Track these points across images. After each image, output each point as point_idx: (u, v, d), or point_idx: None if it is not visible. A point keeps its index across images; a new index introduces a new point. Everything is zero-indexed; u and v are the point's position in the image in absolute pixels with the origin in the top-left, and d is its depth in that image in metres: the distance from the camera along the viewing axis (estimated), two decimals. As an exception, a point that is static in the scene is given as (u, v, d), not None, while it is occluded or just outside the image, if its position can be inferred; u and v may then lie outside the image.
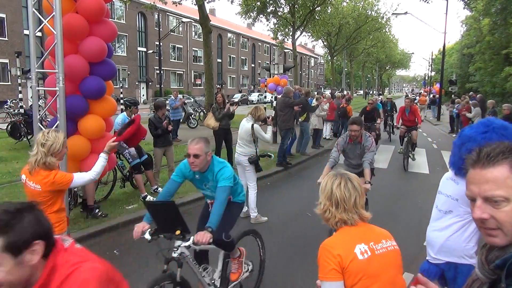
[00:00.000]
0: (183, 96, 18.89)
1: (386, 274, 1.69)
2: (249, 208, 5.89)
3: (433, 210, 2.63)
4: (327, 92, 18.53)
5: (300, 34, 29.53)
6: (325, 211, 1.82)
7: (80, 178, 3.01)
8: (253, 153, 5.85)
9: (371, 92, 72.15)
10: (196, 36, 48.58)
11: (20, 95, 14.98)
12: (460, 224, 2.42)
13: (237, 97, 38.60)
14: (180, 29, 45.18)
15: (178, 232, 2.72)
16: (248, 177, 5.91)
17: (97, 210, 5.58)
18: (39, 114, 3.84)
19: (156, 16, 37.32)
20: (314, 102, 12.49)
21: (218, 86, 30.32)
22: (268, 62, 59.09)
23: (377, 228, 1.86)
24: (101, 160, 3.16)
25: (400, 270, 1.78)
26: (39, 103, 3.91)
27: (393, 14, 31.55)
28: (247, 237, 3.77)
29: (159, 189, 6.87)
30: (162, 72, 34.21)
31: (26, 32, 28.23)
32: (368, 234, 1.78)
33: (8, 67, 27.33)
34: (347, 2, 38.10)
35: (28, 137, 11.63)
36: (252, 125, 5.83)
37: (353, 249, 1.67)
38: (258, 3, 23.70)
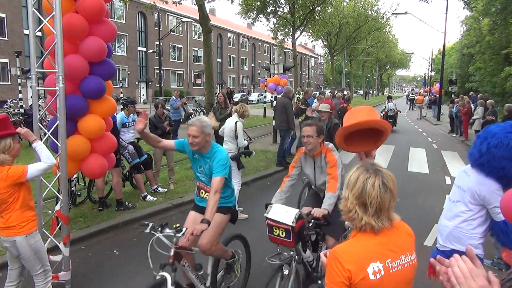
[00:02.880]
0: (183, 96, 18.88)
1: None
2: None
3: (446, 200, 2.76)
4: (327, 92, 18.50)
5: (300, 34, 29.54)
6: (350, 210, 1.62)
7: (35, 167, 2.95)
8: (236, 150, 5.87)
9: (371, 92, 72.17)
10: (196, 36, 48.56)
11: (20, 95, 14.98)
12: (467, 215, 2.50)
13: (237, 96, 38.60)
14: (180, 29, 45.16)
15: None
16: (232, 173, 5.91)
17: (126, 202, 5.98)
18: (39, 114, 3.84)
19: (156, 16, 37.31)
20: (315, 102, 12.50)
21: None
22: (268, 62, 59.07)
23: (402, 235, 1.67)
24: (39, 148, 3.06)
25: (410, 285, 1.68)
26: (39, 103, 3.90)
27: (393, 14, 31.59)
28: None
29: (159, 189, 6.87)
30: (162, 72, 34.20)
31: (26, 32, 28.21)
32: (389, 248, 1.60)
33: (8, 67, 27.31)
34: (347, 2, 38.11)
35: (28, 137, 11.62)
36: (236, 122, 5.84)
37: (366, 267, 1.54)
38: (258, 3, 23.70)
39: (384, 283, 1.56)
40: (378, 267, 1.55)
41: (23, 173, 2.87)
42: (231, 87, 38.85)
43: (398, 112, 18.35)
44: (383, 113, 17.49)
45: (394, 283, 1.59)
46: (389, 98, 18.69)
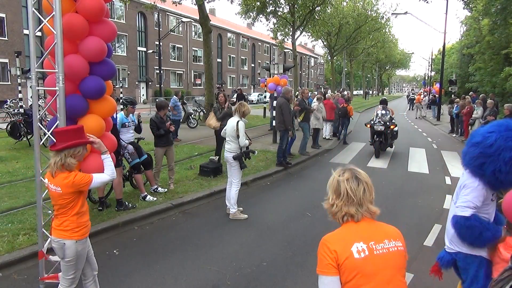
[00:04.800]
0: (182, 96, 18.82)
1: (383, 274, 1.68)
2: (229, 203, 5.92)
3: (451, 203, 2.78)
4: (329, 92, 18.51)
5: (300, 34, 29.56)
6: (332, 205, 1.82)
7: (99, 178, 3.03)
8: (238, 149, 5.87)
9: (370, 92, 72.18)
10: (196, 36, 48.56)
11: (20, 95, 14.96)
12: None
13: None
14: (180, 29, 45.16)
15: None
16: (232, 173, 5.91)
17: (126, 202, 5.96)
18: (39, 114, 3.83)
19: (156, 16, 37.32)
20: (314, 102, 12.50)
21: (217, 85, 30.25)
22: (268, 62, 59.07)
23: (385, 227, 1.83)
24: (107, 161, 3.18)
25: (401, 272, 1.76)
26: (39, 103, 3.90)
27: (393, 14, 31.57)
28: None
29: (159, 189, 6.87)
30: (162, 72, 34.20)
31: (26, 32, 28.23)
32: (371, 232, 1.75)
33: (8, 67, 27.30)
34: (346, 2, 38.13)
35: (28, 137, 11.63)
36: (238, 121, 5.83)
37: (350, 246, 1.68)
38: (258, 3, 23.71)
39: (369, 264, 1.66)
40: (361, 246, 1.68)
41: (88, 182, 2.92)
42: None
43: (393, 127, 11.30)
44: (369, 126, 11.44)
45: (378, 265, 1.68)
46: (382, 102, 12.07)
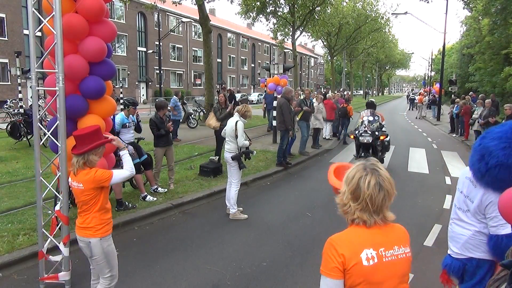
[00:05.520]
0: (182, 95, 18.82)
1: (389, 282, 1.63)
2: (229, 204, 5.93)
3: (453, 207, 2.64)
4: (330, 93, 18.49)
5: (300, 34, 29.56)
6: (345, 204, 1.69)
7: (118, 174, 3.10)
8: (237, 149, 5.88)
9: (370, 92, 72.18)
10: (196, 36, 48.56)
11: (20, 95, 14.96)
12: (482, 225, 2.40)
13: (237, 96, 38.59)
14: (180, 29, 45.16)
15: None
16: (232, 173, 5.92)
17: (126, 202, 5.93)
18: (39, 114, 3.83)
19: (156, 16, 37.31)
20: (314, 102, 12.50)
21: (219, 85, 30.21)
22: (268, 62, 59.08)
23: (396, 230, 1.72)
24: (126, 157, 3.24)
25: (404, 279, 1.70)
26: (39, 103, 3.89)
27: (392, 14, 31.61)
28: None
29: (159, 189, 6.88)
30: (162, 72, 34.20)
31: (26, 32, 28.22)
32: (382, 237, 1.65)
33: (8, 67, 27.30)
34: (346, 2, 38.12)
35: (28, 137, 11.62)
36: (237, 121, 5.84)
37: (359, 252, 1.59)
38: (258, 3, 23.71)
39: (377, 272, 1.59)
40: (371, 253, 1.59)
41: (109, 177, 2.99)
42: (227, 87, 38.66)
43: (383, 138, 8.90)
44: (352, 137, 9.29)
45: (386, 273, 1.61)
46: (369, 106, 9.76)
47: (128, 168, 3.18)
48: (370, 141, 8.75)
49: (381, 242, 1.64)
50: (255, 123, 18.57)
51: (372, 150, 8.89)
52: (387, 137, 9.14)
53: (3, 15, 27.90)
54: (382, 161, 9.36)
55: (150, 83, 41.63)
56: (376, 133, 8.85)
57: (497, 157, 2.21)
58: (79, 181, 2.96)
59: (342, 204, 1.71)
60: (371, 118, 9.15)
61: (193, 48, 48.70)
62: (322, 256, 1.67)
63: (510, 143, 2.20)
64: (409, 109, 35.14)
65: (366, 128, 8.95)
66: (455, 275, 2.59)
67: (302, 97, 11.12)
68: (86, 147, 2.95)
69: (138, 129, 6.74)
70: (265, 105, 15.92)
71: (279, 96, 12.10)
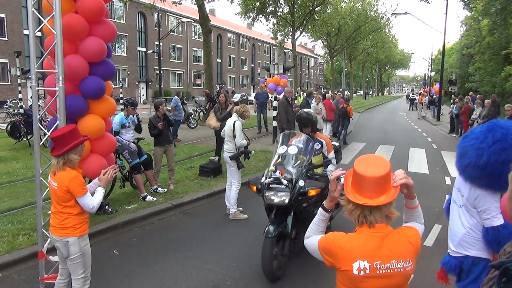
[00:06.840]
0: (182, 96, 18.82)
1: None
2: (229, 204, 5.93)
3: (451, 205, 2.68)
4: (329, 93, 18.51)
5: (300, 34, 29.58)
6: (348, 202, 1.73)
7: (87, 200, 3.00)
8: (236, 149, 5.88)
9: (370, 92, 72.20)
10: (196, 36, 48.56)
11: (20, 95, 14.96)
12: (475, 221, 2.43)
13: (237, 97, 38.61)
14: (180, 29, 45.14)
15: None
16: (232, 173, 5.93)
17: (106, 207, 5.75)
18: (39, 114, 3.84)
19: (156, 16, 37.31)
20: (313, 102, 12.51)
21: (221, 85, 30.25)
22: (268, 62, 59.08)
23: (400, 242, 1.71)
24: (100, 194, 3.14)
25: None
26: (38, 103, 3.90)
27: (392, 14, 31.64)
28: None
29: (159, 189, 6.87)
30: (162, 72, 34.20)
31: (26, 32, 28.21)
32: (381, 250, 1.65)
33: (8, 67, 27.30)
34: (346, 3, 38.13)
35: (28, 137, 11.62)
36: (235, 121, 5.85)
37: (352, 262, 1.63)
38: (258, 3, 23.73)
39: (367, 282, 1.62)
40: (364, 265, 1.62)
41: (79, 195, 2.94)
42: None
43: (314, 193, 4.01)
44: (255, 189, 4.27)
45: (378, 284, 1.64)
46: (301, 122, 4.73)
47: (95, 201, 3.05)
48: (286, 203, 4.01)
49: (379, 255, 1.64)
50: (255, 123, 18.55)
51: (294, 219, 4.19)
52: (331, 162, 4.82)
53: (3, 15, 27.90)
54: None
55: (150, 83, 41.62)
56: (301, 183, 4.07)
57: (470, 157, 2.30)
58: (56, 180, 2.96)
59: (346, 203, 1.75)
60: (301, 146, 4.43)
61: (193, 48, 48.69)
62: (321, 246, 1.77)
63: (482, 144, 2.26)
64: (409, 109, 35.14)
65: (279, 172, 4.09)
66: (453, 273, 2.61)
67: (303, 96, 11.12)
68: (65, 147, 2.94)
69: (138, 129, 6.72)
70: (256, 105, 15.82)
71: (279, 96, 12.13)
